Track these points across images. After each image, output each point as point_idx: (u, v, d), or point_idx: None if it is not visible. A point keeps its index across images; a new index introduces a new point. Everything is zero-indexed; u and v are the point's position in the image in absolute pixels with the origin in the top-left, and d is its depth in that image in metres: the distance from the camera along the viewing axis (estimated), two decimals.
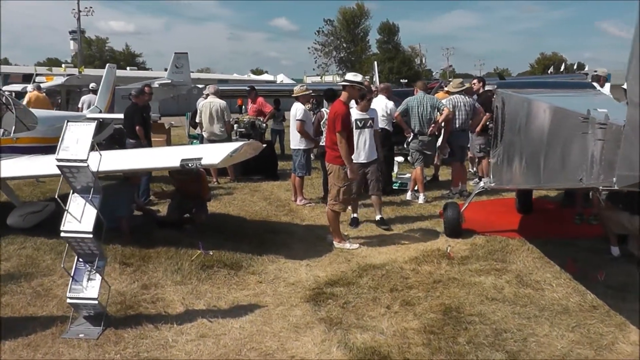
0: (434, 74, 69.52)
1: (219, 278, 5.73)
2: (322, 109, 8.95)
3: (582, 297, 5.12)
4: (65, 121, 4.34)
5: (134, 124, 9.01)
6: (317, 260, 6.33)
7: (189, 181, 7.61)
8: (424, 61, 77.70)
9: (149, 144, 9.30)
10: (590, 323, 4.59)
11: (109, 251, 6.42)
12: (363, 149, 7.45)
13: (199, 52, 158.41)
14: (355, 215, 7.77)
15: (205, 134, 10.70)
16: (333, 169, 6.67)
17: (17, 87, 16.69)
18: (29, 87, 14.94)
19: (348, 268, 6.07)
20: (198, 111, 10.76)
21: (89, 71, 30.62)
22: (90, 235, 4.31)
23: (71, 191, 4.45)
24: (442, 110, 9.08)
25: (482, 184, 7.39)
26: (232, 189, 10.47)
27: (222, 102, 10.74)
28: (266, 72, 70.71)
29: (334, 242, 6.78)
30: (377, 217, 7.67)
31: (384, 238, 7.22)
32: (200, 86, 22.33)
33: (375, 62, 33.99)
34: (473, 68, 76.99)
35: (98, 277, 4.46)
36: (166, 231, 7.30)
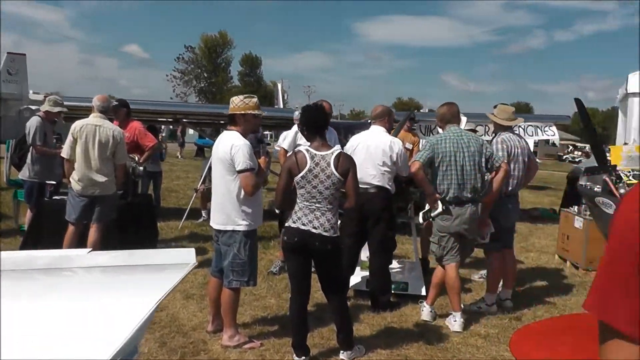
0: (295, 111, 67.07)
1: None
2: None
3: None
4: None
5: None
6: None
7: None
8: (286, 97, 75.30)
9: None
10: None
11: None
12: None
13: (48, 75, 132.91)
14: None
15: (77, 184, 5.37)
16: None
17: None
18: None
19: None
20: (70, 138, 5.38)
21: None
22: None
23: None
24: (496, 162, 5.01)
25: None
26: None
27: (118, 130, 5.62)
28: None
29: None
30: None
31: None
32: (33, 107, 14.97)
33: (280, 81, 30.00)
34: (333, 108, 75.35)
35: None
36: None
